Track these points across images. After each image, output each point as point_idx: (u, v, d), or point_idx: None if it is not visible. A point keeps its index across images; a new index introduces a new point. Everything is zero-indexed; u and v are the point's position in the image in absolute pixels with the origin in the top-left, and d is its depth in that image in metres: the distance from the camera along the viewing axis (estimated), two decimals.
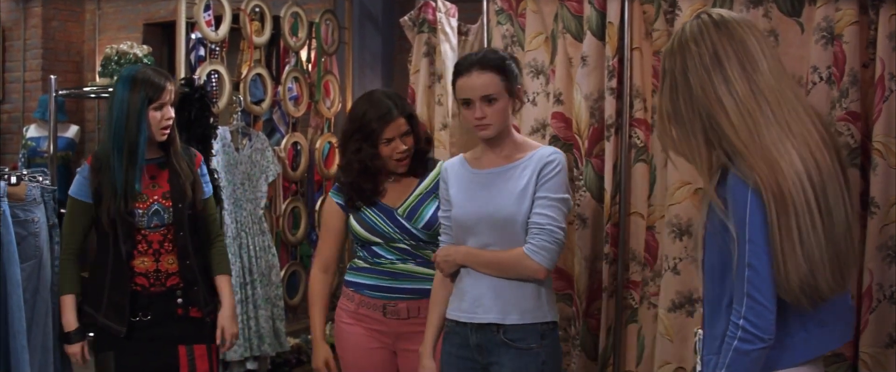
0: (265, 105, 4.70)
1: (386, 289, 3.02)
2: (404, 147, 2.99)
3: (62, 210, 3.23)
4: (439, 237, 2.90)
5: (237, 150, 4.43)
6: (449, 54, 4.18)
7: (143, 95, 2.98)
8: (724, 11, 2.12)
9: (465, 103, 2.69)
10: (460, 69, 2.71)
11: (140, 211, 3.03)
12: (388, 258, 3.02)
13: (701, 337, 2.24)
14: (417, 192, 3.06)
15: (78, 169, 3.08)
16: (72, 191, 3.05)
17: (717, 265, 2.08)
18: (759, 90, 2.02)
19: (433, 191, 3.03)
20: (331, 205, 3.15)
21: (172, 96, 3.07)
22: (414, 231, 3.02)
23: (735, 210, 1.99)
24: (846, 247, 2.04)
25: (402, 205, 3.04)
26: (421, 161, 3.08)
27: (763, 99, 2.01)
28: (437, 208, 2.98)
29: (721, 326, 2.06)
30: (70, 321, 3.06)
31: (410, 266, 3.02)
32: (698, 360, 2.23)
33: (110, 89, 5.08)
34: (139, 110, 2.97)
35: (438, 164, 3.08)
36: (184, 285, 3.12)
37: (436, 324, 2.85)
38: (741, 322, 1.98)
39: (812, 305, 2.01)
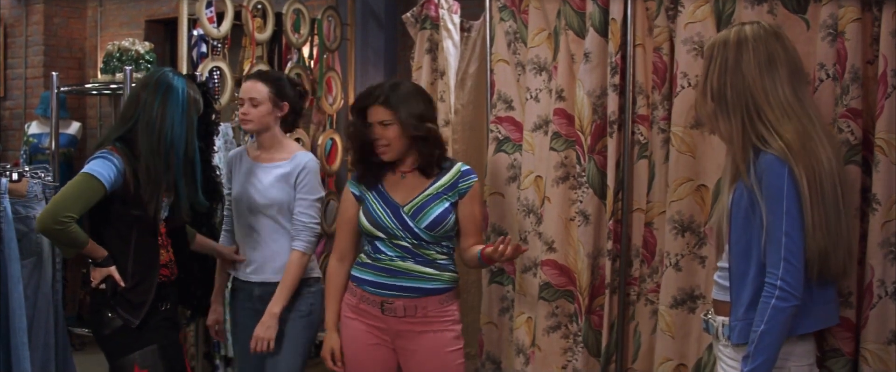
0: None
1: (384, 286, 3.06)
2: (377, 136, 3.05)
3: None
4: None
5: (239, 146, 4.42)
6: (451, 51, 4.17)
7: (194, 114, 3.14)
8: (778, 28, 2.53)
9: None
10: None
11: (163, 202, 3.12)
12: (388, 255, 3.06)
13: (715, 320, 2.56)
14: (427, 191, 3.08)
15: (103, 152, 2.97)
16: (99, 171, 2.91)
17: (743, 242, 2.42)
18: (803, 96, 2.43)
19: (445, 192, 3.05)
20: (346, 194, 3.23)
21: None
22: (416, 229, 3.03)
23: (770, 185, 2.33)
24: (853, 244, 2.50)
25: (409, 203, 3.06)
26: (427, 163, 3.11)
27: (807, 103, 2.43)
28: (445, 210, 3.01)
29: (746, 294, 2.41)
30: (101, 252, 3.02)
31: (409, 264, 3.05)
32: (721, 338, 2.53)
33: (112, 85, 5.08)
34: (193, 126, 3.11)
35: (456, 166, 3.14)
36: (179, 272, 3.26)
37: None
38: (779, 283, 2.31)
39: (816, 276, 2.37)
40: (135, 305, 3.02)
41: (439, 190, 3.08)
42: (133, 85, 3.73)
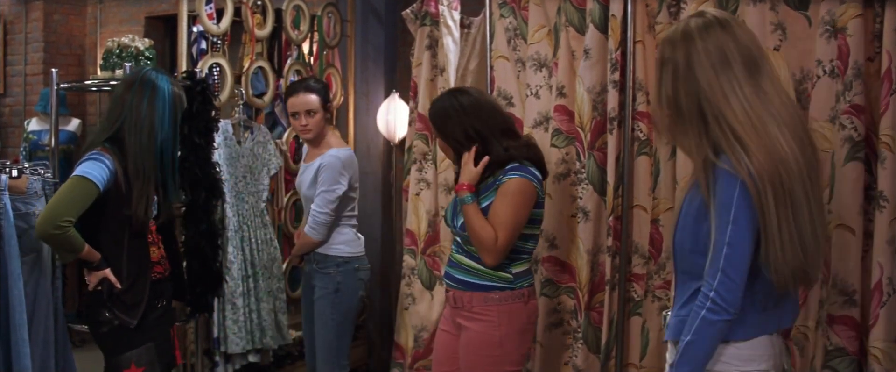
0: (267, 98, 4.69)
1: (446, 274, 3.17)
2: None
3: None
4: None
5: (239, 143, 4.42)
6: (451, 47, 4.17)
7: (180, 113, 3.14)
8: (726, 14, 2.24)
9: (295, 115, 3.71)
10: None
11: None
12: (453, 247, 3.16)
13: (670, 315, 2.39)
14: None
15: (93, 154, 2.96)
16: (91, 173, 2.89)
17: (689, 243, 2.25)
18: (762, 91, 2.15)
19: (486, 191, 3.02)
20: None
21: None
22: (457, 227, 3.07)
23: (720, 195, 2.13)
24: (826, 236, 2.30)
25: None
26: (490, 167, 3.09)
27: (766, 99, 2.15)
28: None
29: (690, 288, 2.25)
30: (96, 255, 3.01)
31: (461, 257, 3.10)
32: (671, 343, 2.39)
33: (112, 82, 5.07)
34: (178, 125, 3.13)
35: (509, 165, 3.03)
36: (171, 267, 3.29)
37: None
38: (712, 294, 2.13)
39: (796, 287, 2.20)
40: (130, 305, 3.03)
41: (481, 190, 3.04)
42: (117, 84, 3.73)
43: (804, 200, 2.12)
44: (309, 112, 3.71)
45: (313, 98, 3.71)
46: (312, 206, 3.71)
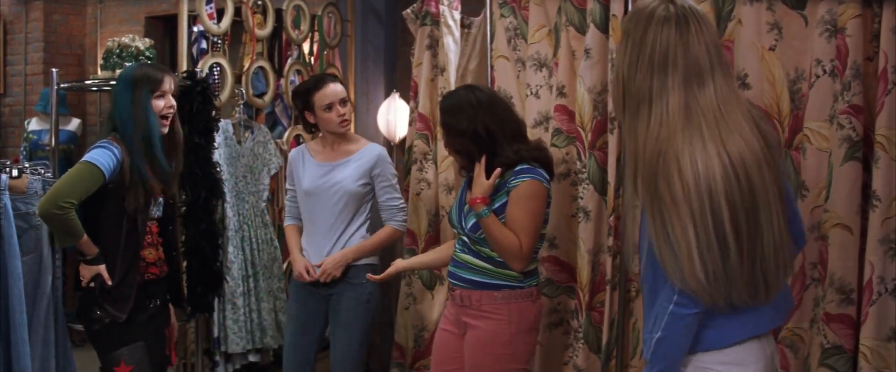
0: (267, 98, 4.69)
1: (452, 274, 3.15)
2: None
3: None
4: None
5: (239, 142, 4.43)
6: (452, 47, 4.17)
7: (146, 89, 3.07)
8: (692, 9, 2.06)
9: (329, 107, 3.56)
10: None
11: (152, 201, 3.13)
12: (457, 246, 3.15)
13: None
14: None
15: (103, 142, 3.01)
16: (98, 159, 2.94)
17: (652, 250, 2.06)
18: (697, 106, 1.99)
19: (495, 193, 3.00)
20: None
21: (173, 86, 3.15)
22: (466, 229, 3.04)
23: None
24: (777, 265, 2.04)
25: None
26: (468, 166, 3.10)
27: (700, 114, 1.99)
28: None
29: (656, 308, 2.08)
30: (93, 249, 3.04)
31: (468, 257, 3.09)
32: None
33: (112, 82, 5.08)
34: (144, 101, 3.05)
35: (518, 166, 3.01)
36: (169, 273, 3.30)
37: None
38: (678, 287, 2.00)
39: (728, 309, 2.02)
40: (120, 299, 3.05)
41: (491, 193, 3.01)
42: None
43: (715, 223, 1.93)
44: (343, 101, 3.59)
45: (342, 88, 3.64)
46: (391, 199, 3.65)
